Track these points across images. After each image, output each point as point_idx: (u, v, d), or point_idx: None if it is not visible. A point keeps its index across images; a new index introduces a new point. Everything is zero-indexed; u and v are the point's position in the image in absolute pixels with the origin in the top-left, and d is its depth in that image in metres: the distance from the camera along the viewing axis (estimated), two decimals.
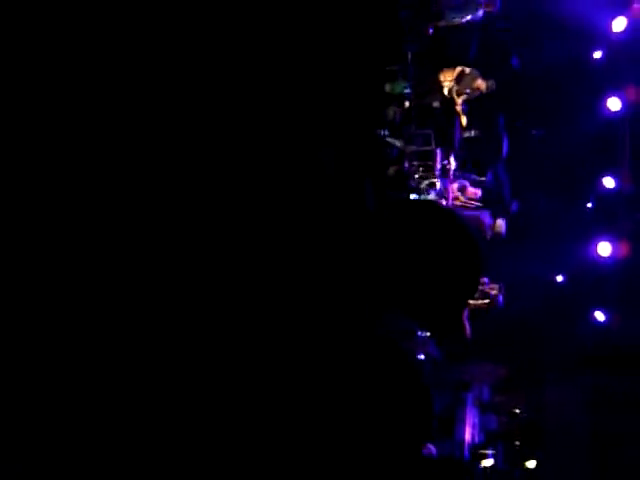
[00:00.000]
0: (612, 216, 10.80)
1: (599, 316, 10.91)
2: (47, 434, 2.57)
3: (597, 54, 10.51)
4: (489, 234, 9.11)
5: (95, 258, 2.69)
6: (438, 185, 8.80)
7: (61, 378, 2.61)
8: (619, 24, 10.34)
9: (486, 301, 9.57)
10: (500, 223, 9.23)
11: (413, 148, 8.49)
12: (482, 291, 9.43)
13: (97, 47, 2.82)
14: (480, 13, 8.15)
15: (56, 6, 2.78)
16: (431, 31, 7.96)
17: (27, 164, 2.71)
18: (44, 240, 2.69)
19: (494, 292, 9.45)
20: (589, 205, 10.84)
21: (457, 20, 8.11)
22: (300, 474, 2.58)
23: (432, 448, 8.16)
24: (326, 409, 2.69)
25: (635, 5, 10.12)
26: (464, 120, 9.09)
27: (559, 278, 10.99)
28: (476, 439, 9.63)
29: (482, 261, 3.15)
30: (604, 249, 10.87)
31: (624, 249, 10.80)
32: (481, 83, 8.91)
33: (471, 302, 9.38)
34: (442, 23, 8.01)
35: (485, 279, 9.37)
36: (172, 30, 3.00)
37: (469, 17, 8.14)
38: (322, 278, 2.92)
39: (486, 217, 9.14)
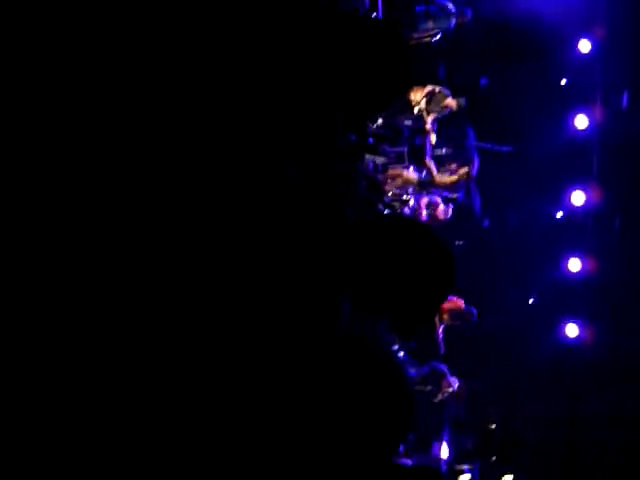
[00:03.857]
0: (581, 232, 10.93)
1: (571, 331, 11.00)
2: (47, 433, 2.54)
3: (563, 80, 10.71)
4: None
5: (94, 258, 2.69)
6: (412, 202, 8.88)
7: (61, 378, 2.59)
8: (585, 45, 10.56)
9: (459, 322, 9.59)
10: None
11: (383, 160, 8.56)
12: (458, 312, 9.46)
13: (97, 47, 2.82)
14: (452, 24, 8.22)
15: (56, 6, 2.78)
16: None
17: (27, 164, 2.70)
18: (44, 240, 2.68)
19: None
20: (558, 216, 10.97)
21: (429, 31, 8.14)
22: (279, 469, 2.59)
23: (407, 462, 8.14)
24: (309, 408, 2.70)
25: (598, 27, 10.35)
26: (434, 138, 9.18)
27: (530, 300, 11.07)
28: (452, 455, 9.64)
29: (453, 270, 3.20)
30: (574, 265, 10.99)
31: (593, 265, 10.92)
32: (451, 102, 9.01)
33: (445, 321, 9.43)
34: (413, 37, 8.05)
35: (461, 301, 9.41)
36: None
37: (441, 28, 8.18)
38: (301, 285, 2.94)
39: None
